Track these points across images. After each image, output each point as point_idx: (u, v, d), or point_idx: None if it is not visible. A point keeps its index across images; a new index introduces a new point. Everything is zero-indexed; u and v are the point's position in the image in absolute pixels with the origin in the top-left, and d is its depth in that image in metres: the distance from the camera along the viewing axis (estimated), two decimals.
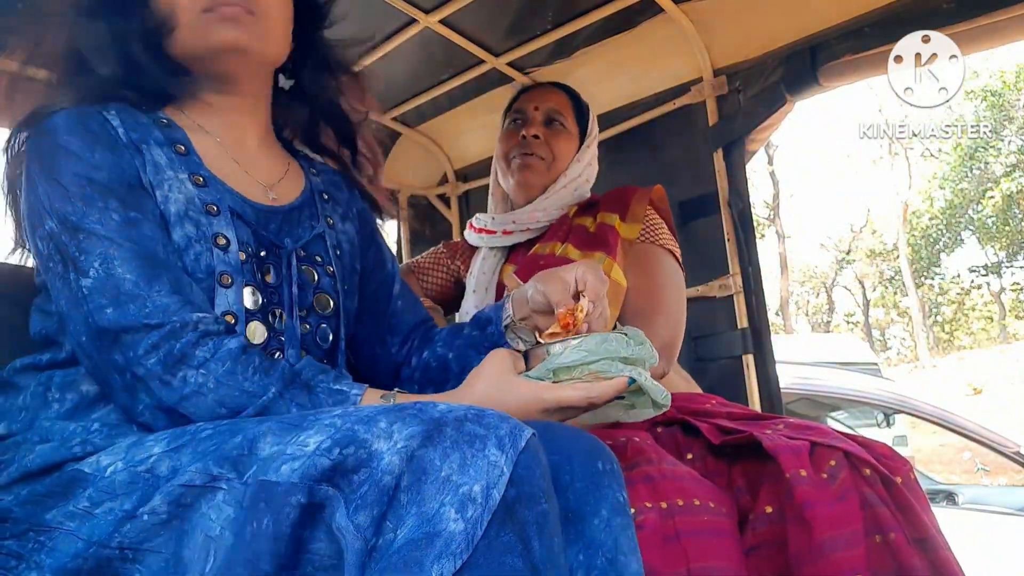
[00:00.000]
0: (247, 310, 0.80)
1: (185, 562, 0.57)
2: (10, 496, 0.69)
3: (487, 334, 0.95)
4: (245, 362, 0.70)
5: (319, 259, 0.91)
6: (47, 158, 0.75)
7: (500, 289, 1.40)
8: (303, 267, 0.88)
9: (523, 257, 1.40)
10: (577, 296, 0.86)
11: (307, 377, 0.73)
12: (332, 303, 0.90)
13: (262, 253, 0.84)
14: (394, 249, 2.59)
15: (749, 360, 1.65)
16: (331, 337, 0.90)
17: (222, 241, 0.80)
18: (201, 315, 0.72)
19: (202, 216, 0.79)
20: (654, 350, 0.82)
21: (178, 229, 0.77)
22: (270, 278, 0.84)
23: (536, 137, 1.38)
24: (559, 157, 1.40)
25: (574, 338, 0.80)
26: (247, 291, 0.80)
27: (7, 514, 0.68)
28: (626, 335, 0.81)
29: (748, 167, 1.77)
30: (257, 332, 0.80)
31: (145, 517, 0.60)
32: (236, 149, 0.89)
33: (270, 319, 0.82)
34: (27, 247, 0.82)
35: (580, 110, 1.46)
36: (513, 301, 0.95)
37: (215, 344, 0.70)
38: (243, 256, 0.81)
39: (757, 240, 1.72)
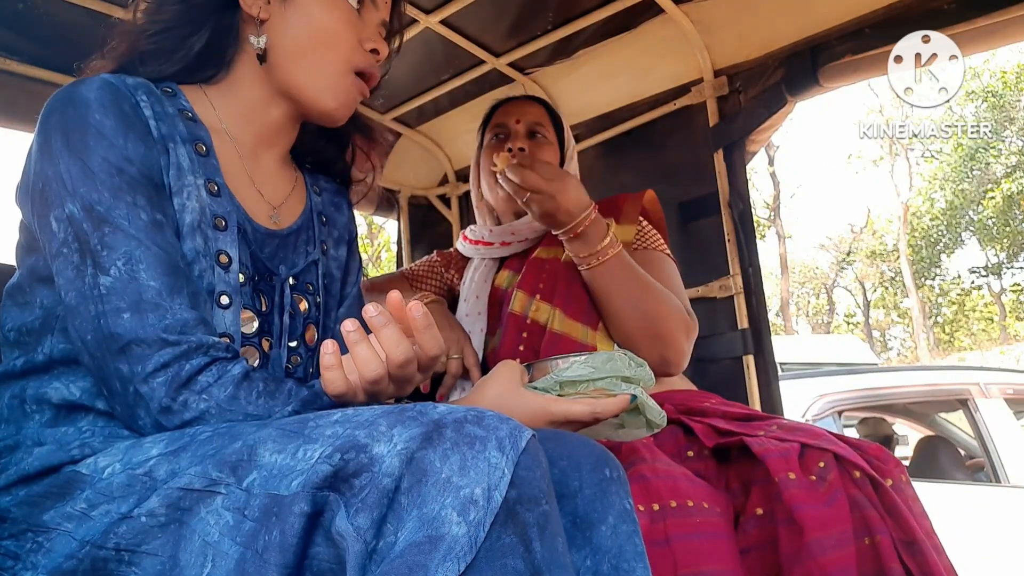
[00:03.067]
0: (243, 334, 0.78)
1: (181, 566, 0.56)
2: (8, 497, 0.68)
3: None
4: (248, 387, 0.68)
5: (310, 287, 0.89)
6: (75, 133, 0.70)
7: (493, 295, 1.41)
8: (294, 295, 0.86)
9: (519, 262, 1.42)
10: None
11: (328, 399, 0.71)
12: (318, 336, 0.89)
13: (256, 277, 0.82)
14: (394, 249, 2.59)
15: (749, 361, 1.65)
16: (312, 370, 0.88)
17: (224, 259, 0.77)
18: (214, 339, 0.70)
19: (210, 230, 0.77)
20: (651, 372, 0.84)
21: (188, 241, 0.74)
22: (263, 305, 0.82)
23: (521, 150, 1.39)
24: None
25: (578, 355, 0.83)
26: (246, 314, 0.79)
27: (5, 514, 0.67)
28: (627, 356, 0.83)
29: (748, 168, 1.77)
30: (249, 357, 0.79)
31: (143, 519, 0.59)
32: (252, 162, 0.87)
33: (263, 346, 0.81)
34: (27, 214, 0.75)
35: (556, 121, 1.47)
36: None
37: (219, 369, 0.68)
38: (242, 278, 0.79)
39: (757, 241, 1.72)
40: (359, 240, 1.07)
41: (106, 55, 0.84)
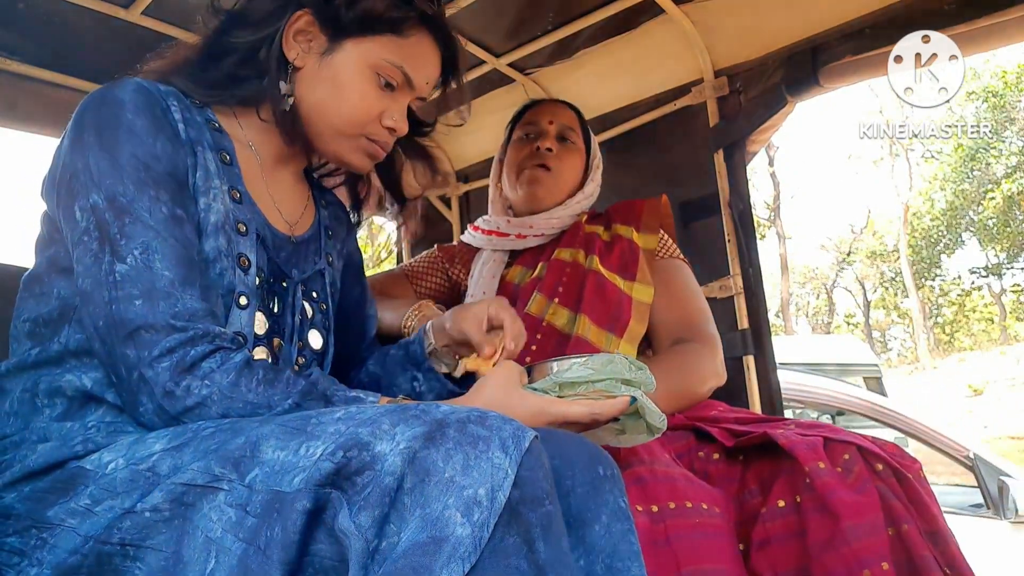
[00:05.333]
0: (255, 335, 0.80)
1: (184, 561, 0.57)
2: (13, 493, 0.69)
3: (410, 353, 1.01)
4: (248, 375, 0.70)
5: (315, 295, 0.92)
6: (107, 130, 0.73)
7: (502, 291, 1.40)
8: (303, 300, 0.90)
9: (533, 258, 1.42)
10: (489, 329, 0.95)
11: (323, 387, 0.73)
12: (322, 341, 0.92)
13: (271, 280, 0.85)
14: (394, 251, 2.59)
15: (750, 361, 1.64)
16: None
17: (244, 262, 0.80)
18: (220, 329, 0.72)
19: (233, 233, 0.80)
20: (652, 377, 0.84)
21: (211, 240, 0.77)
22: (275, 306, 0.85)
23: (549, 150, 1.43)
24: (567, 172, 1.45)
25: (579, 356, 0.82)
26: (259, 316, 0.81)
27: (9, 511, 0.68)
28: (628, 359, 0.83)
29: (749, 168, 1.77)
30: (261, 356, 0.81)
31: (147, 514, 0.60)
32: (271, 176, 0.90)
33: (273, 345, 0.83)
34: (51, 205, 0.78)
35: (585, 129, 1.51)
36: (433, 329, 1.01)
37: (222, 357, 0.70)
38: (258, 280, 0.82)
39: (758, 241, 1.71)
40: (358, 239, 1.11)
41: (148, 70, 0.87)
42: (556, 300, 1.30)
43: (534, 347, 1.27)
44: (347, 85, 0.85)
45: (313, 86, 0.85)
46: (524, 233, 1.44)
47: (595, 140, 1.54)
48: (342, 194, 1.08)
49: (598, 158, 1.52)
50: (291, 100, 0.85)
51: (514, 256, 1.47)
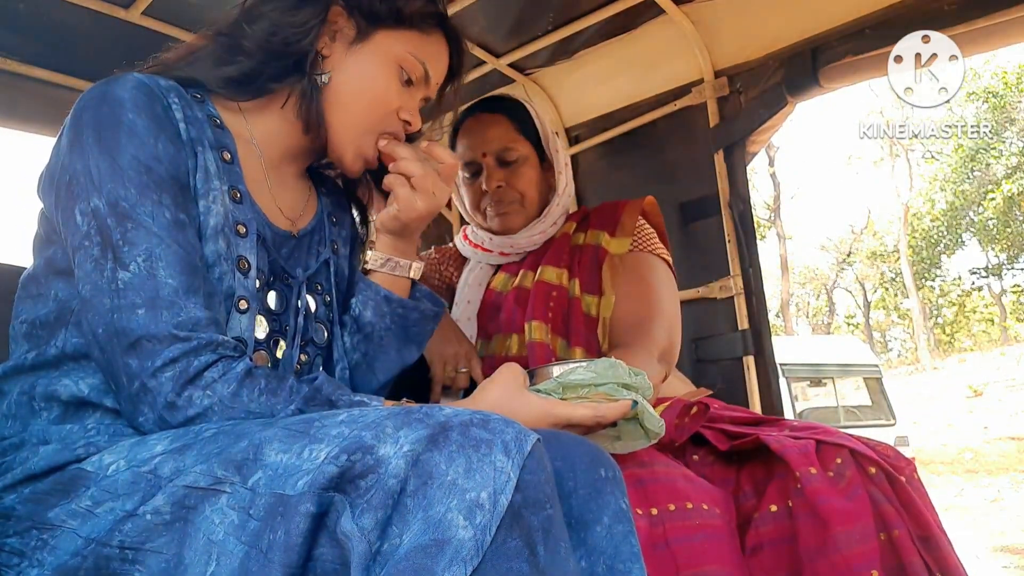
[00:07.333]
0: (256, 339, 0.79)
1: (186, 564, 0.56)
2: (13, 495, 0.69)
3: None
4: (251, 384, 0.69)
5: (320, 287, 0.91)
6: (107, 130, 0.71)
7: (487, 298, 1.40)
8: (308, 295, 0.89)
9: (516, 266, 1.40)
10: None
11: (328, 392, 0.73)
12: (327, 334, 0.91)
13: (272, 279, 0.84)
14: None
15: (750, 361, 1.65)
16: (321, 369, 0.90)
17: (244, 265, 0.79)
18: (223, 338, 0.71)
19: (232, 235, 0.78)
20: (650, 382, 0.84)
21: (211, 244, 0.76)
22: (278, 307, 0.84)
23: (500, 186, 1.34)
24: (528, 190, 1.37)
25: (581, 361, 0.84)
26: (259, 319, 0.80)
27: (10, 512, 0.68)
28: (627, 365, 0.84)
29: (749, 168, 1.77)
30: (259, 361, 0.80)
31: (148, 517, 0.60)
32: (275, 172, 0.89)
33: (273, 348, 0.82)
34: (49, 205, 0.76)
35: (523, 122, 1.39)
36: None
37: (224, 366, 0.69)
38: (259, 283, 0.80)
39: (758, 241, 1.72)
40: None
41: (155, 63, 0.85)
42: (549, 326, 1.28)
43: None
44: (374, 75, 0.86)
45: (338, 75, 0.86)
46: (507, 252, 1.42)
47: (543, 121, 1.41)
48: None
49: (556, 145, 1.41)
50: (325, 79, 0.85)
51: (500, 264, 1.46)
